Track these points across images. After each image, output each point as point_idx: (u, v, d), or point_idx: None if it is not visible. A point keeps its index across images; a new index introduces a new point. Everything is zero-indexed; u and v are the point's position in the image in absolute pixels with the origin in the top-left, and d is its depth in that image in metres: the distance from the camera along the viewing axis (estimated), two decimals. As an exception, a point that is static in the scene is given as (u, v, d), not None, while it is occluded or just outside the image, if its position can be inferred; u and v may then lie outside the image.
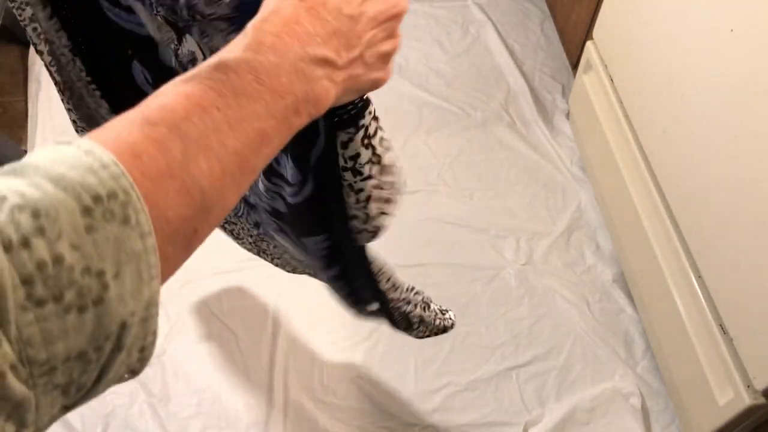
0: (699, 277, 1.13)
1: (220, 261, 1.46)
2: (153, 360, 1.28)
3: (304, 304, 1.42)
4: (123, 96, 0.89)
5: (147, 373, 1.30)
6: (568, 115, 1.81)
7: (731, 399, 1.04)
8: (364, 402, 1.29)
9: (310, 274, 1.09)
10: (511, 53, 2.00)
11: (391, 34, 0.49)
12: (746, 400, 1.00)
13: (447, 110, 1.83)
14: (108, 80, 0.89)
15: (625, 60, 1.38)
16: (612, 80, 1.44)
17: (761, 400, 1.00)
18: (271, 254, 1.07)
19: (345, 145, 0.62)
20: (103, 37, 0.81)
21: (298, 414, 1.27)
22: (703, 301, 1.12)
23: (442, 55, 1.99)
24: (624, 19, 1.37)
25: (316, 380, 1.31)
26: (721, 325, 1.07)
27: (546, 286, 1.47)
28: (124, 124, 0.36)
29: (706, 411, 1.11)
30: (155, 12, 0.67)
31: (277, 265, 1.10)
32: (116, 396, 1.27)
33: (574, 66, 1.81)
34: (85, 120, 0.94)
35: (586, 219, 1.60)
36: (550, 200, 1.64)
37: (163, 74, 0.80)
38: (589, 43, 1.54)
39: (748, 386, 1.01)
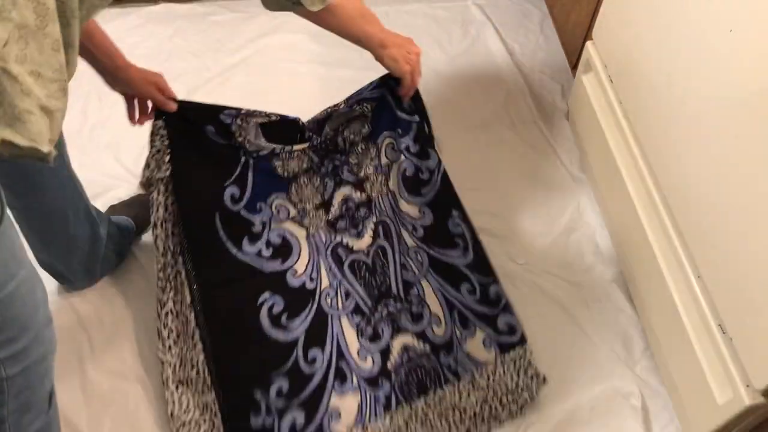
0: (698, 277, 1.13)
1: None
2: (156, 360, 1.27)
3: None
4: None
5: (149, 373, 1.30)
6: (567, 116, 1.82)
7: (730, 399, 1.04)
8: (363, 401, 1.29)
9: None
10: (511, 54, 2.01)
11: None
12: (745, 400, 1.01)
13: (447, 110, 1.83)
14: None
15: (624, 60, 1.38)
16: (611, 81, 1.44)
17: (760, 400, 1.00)
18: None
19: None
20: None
21: (298, 413, 1.27)
22: (702, 300, 1.12)
23: (442, 56, 1.99)
24: (623, 19, 1.37)
25: None
26: (720, 325, 1.08)
27: (545, 286, 1.47)
28: None
29: (706, 410, 1.11)
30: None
31: None
32: (119, 395, 1.27)
33: (574, 66, 1.81)
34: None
35: (585, 219, 1.61)
36: (549, 200, 1.64)
37: (293, 296, 1.26)
38: (588, 44, 1.54)
39: (747, 386, 1.01)
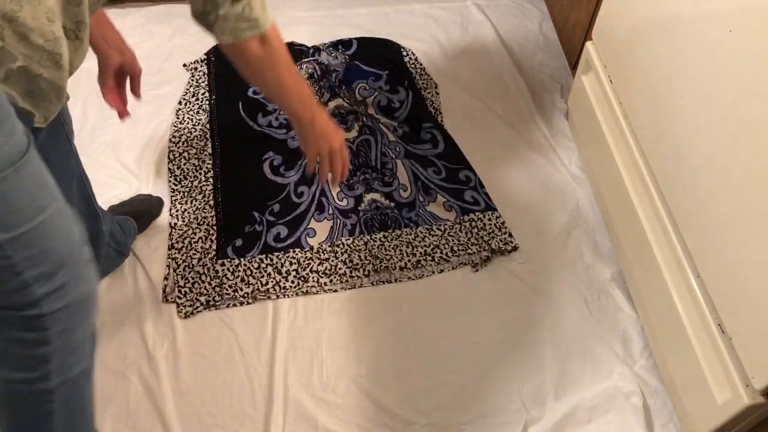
0: (698, 277, 1.14)
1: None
2: (156, 359, 1.29)
3: (304, 303, 1.42)
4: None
5: (150, 372, 1.30)
6: (567, 115, 1.82)
7: (730, 398, 1.04)
8: (363, 400, 1.29)
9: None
10: (510, 53, 2.01)
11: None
12: (745, 400, 1.01)
13: (446, 110, 1.83)
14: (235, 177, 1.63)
15: (624, 61, 1.38)
16: (611, 81, 1.44)
17: (760, 400, 1.00)
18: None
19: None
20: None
21: (298, 412, 1.27)
22: (701, 300, 1.12)
23: (442, 55, 1.99)
24: (623, 20, 1.37)
25: (316, 378, 1.32)
26: (719, 325, 1.08)
27: (544, 285, 1.47)
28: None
29: (705, 410, 1.11)
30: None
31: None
32: (119, 395, 1.28)
33: (573, 66, 1.82)
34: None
35: (584, 218, 1.61)
36: (548, 199, 1.64)
37: (290, 155, 1.66)
38: (588, 44, 1.55)
39: (747, 385, 1.01)
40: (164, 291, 1.41)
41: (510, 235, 1.53)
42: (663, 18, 1.22)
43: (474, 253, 1.49)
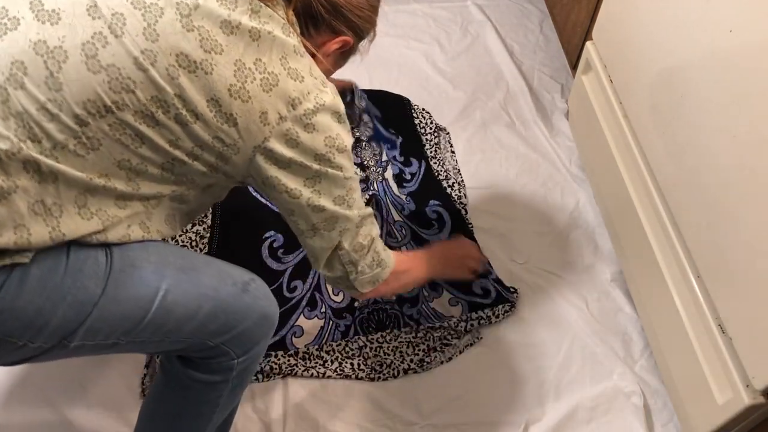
0: (698, 277, 1.14)
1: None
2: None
3: (304, 303, 1.42)
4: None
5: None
6: (567, 115, 1.82)
7: (730, 398, 1.04)
8: (364, 400, 1.29)
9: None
10: (511, 53, 2.01)
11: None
12: (745, 400, 1.01)
13: (446, 110, 1.83)
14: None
15: (624, 60, 1.38)
16: (611, 80, 1.44)
17: (760, 400, 1.00)
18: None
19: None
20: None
21: (299, 413, 1.27)
22: (702, 300, 1.12)
23: (442, 55, 1.99)
24: (623, 19, 1.37)
25: (316, 378, 1.32)
26: (720, 325, 1.08)
27: (544, 285, 1.47)
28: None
29: (705, 410, 1.11)
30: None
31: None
32: (118, 394, 1.27)
33: (574, 66, 1.81)
34: None
35: (584, 218, 1.61)
36: (548, 199, 1.64)
37: (293, 236, 1.17)
38: (588, 44, 1.54)
39: (747, 386, 1.01)
40: (143, 383, 1.28)
41: (508, 308, 1.43)
42: (663, 18, 1.22)
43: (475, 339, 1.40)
